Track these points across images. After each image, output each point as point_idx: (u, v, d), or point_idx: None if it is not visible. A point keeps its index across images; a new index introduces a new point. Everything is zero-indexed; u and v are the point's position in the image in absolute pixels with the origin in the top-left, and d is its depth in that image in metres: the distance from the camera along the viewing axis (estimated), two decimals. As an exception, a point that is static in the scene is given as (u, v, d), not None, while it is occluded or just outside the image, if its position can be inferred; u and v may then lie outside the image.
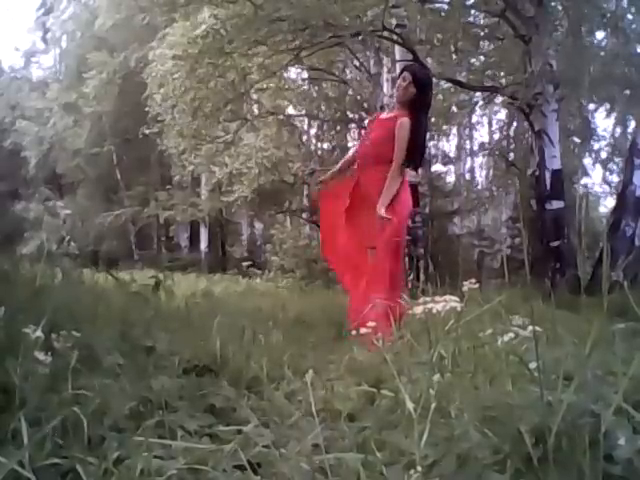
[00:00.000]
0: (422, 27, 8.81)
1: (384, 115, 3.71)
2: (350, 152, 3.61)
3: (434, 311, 1.17)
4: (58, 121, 19.14)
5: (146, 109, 11.67)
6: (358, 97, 13.09)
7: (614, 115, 14.73)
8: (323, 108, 14.36)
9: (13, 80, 23.17)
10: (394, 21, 7.99)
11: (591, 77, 7.90)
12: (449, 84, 9.41)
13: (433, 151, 16.18)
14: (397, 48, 8.09)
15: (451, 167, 18.23)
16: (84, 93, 17.85)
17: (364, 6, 7.92)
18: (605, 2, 8.24)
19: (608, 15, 7.85)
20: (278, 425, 1.50)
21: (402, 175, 3.37)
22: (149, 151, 17.08)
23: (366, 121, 3.60)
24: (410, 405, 1.04)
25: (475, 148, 18.87)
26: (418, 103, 3.42)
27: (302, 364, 2.14)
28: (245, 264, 10.87)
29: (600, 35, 9.23)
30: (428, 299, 1.20)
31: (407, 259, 7.68)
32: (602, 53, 8.55)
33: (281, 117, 12.78)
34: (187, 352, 1.96)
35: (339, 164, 3.82)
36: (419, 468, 0.96)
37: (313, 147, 15.95)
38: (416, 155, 3.41)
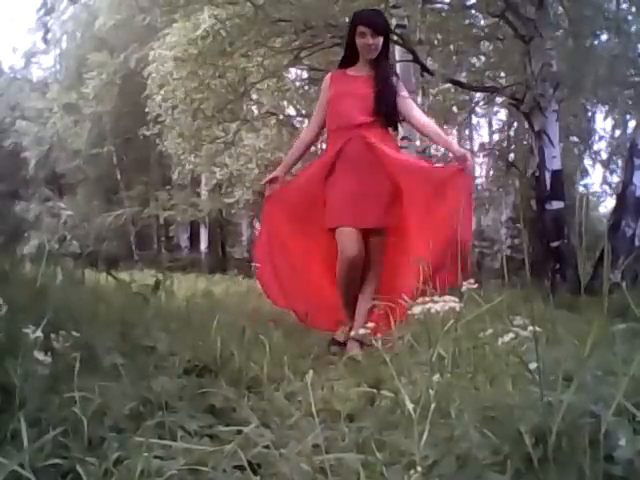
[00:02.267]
0: (422, 27, 8.81)
1: None
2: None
3: (432, 311, 1.17)
4: (58, 121, 19.10)
5: (146, 110, 11.66)
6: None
7: (614, 116, 14.71)
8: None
9: (13, 80, 23.15)
10: (394, 21, 7.99)
11: (592, 78, 7.89)
12: (449, 84, 9.40)
13: (433, 152, 16.13)
14: (397, 48, 8.09)
15: (451, 167, 18.16)
16: (84, 93, 17.80)
17: (364, 6, 7.90)
18: (606, 3, 8.24)
19: (610, 16, 7.84)
20: (278, 425, 1.49)
21: None
22: (149, 151, 17.07)
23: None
24: (410, 405, 1.04)
25: (475, 149, 18.85)
26: (385, 52, 3.10)
27: (302, 364, 2.14)
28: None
29: (601, 36, 9.23)
30: (427, 299, 1.20)
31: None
32: (603, 54, 8.53)
33: (281, 117, 12.76)
34: (187, 352, 1.96)
35: None
36: (419, 468, 0.96)
37: (313, 148, 15.89)
38: None
